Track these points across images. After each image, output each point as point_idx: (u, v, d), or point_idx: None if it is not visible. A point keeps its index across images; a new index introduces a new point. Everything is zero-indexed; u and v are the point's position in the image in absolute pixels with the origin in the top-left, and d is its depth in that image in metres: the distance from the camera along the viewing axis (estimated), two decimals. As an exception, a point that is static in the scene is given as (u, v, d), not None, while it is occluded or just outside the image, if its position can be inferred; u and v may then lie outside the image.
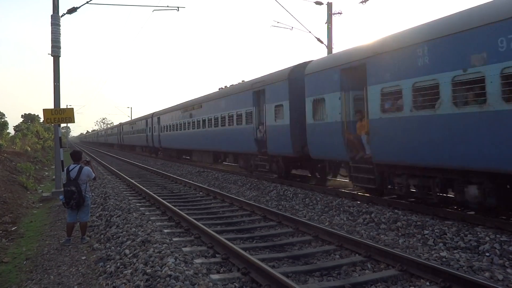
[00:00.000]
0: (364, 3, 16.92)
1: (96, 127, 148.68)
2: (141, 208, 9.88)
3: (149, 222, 8.05)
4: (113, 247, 6.69)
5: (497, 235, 6.36)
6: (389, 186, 9.57)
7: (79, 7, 14.84)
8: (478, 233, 6.59)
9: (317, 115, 11.53)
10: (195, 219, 8.17)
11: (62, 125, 14.27)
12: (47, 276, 5.86)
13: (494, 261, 5.65)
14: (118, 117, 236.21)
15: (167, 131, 29.21)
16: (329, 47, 18.54)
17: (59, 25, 14.15)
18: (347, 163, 10.68)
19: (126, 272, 5.28)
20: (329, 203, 9.81)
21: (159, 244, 6.09)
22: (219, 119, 18.57)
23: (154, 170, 20.37)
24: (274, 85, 13.83)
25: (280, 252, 6.37)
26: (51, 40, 13.99)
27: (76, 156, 7.80)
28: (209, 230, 7.02)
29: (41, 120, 55.01)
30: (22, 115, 72.58)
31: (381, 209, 8.61)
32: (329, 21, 18.62)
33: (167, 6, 16.50)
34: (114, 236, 7.28)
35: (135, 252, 6.00)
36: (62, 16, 14.38)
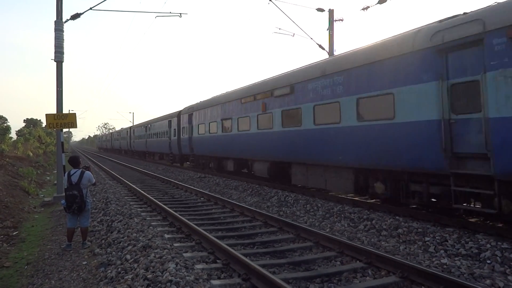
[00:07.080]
0: (365, 10, 17.03)
1: (98, 132, 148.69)
2: (142, 214, 9.90)
3: (150, 227, 8.07)
4: (114, 252, 6.69)
5: (498, 242, 6.35)
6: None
7: (83, 13, 14.95)
8: (479, 240, 6.59)
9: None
10: (196, 224, 8.19)
11: (64, 130, 14.33)
12: (48, 281, 5.87)
13: (495, 268, 5.64)
14: (120, 122, 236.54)
15: None
16: (331, 53, 18.61)
17: (63, 31, 14.25)
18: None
19: (127, 277, 5.28)
20: (330, 209, 9.81)
21: (160, 250, 6.09)
22: None
23: (156, 176, 20.39)
24: (172, 119, 28.59)
25: (281, 258, 6.37)
26: (55, 46, 14.09)
27: (75, 162, 7.83)
28: (210, 235, 7.03)
29: (43, 125, 55.18)
30: (24, 120, 72.73)
31: (382, 216, 8.61)
32: (330, 28, 18.71)
33: (170, 13, 16.59)
34: (115, 241, 7.29)
35: (136, 257, 6.01)
36: (65, 22, 14.48)
